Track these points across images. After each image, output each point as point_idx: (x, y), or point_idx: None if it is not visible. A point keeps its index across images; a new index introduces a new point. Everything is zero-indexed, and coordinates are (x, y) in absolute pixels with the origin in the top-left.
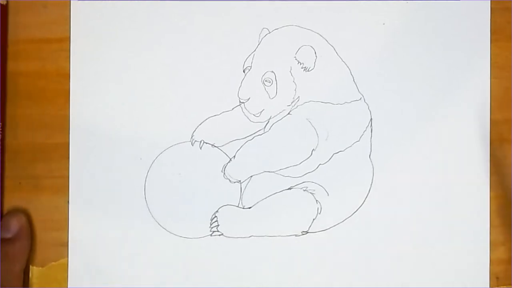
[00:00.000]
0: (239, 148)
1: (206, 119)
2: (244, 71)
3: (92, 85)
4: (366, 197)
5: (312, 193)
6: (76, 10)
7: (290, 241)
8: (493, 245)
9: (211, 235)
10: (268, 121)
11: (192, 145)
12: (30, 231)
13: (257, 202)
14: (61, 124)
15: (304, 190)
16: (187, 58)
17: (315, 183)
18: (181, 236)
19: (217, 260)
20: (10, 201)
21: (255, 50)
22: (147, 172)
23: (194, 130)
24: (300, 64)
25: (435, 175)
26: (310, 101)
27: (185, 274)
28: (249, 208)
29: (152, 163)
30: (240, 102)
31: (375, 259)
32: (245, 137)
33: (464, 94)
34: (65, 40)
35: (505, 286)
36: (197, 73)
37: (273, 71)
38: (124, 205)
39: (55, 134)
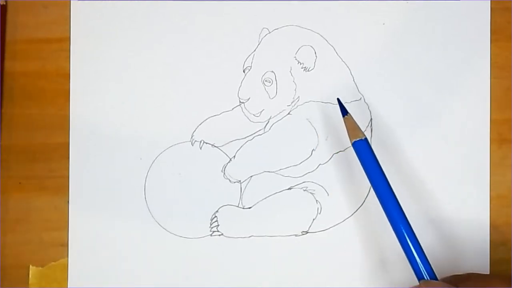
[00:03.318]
0: (239, 148)
1: (206, 119)
2: (244, 71)
3: (92, 85)
4: (366, 197)
5: (312, 193)
6: (76, 10)
7: (290, 241)
8: (493, 245)
9: (211, 235)
10: (268, 121)
11: (192, 145)
12: None
13: (257, 202)
14: (61, 124)
15: (304, 190)
16: (187, 58)
17: (315, 183)
18: (181, 236)
19: (217, 260)
20: (10, 201)
21: (255, 50)
22: (147, 172)
23: (194, 130)
24: (300, 64)
25: (435, 175)
26: (310, 101)
27: (185, 274)
28: (249, 208)
29: (152, 163)
30: (240, 102)
31: (375, 259)
32: (245, 137)
33: (464, 94)
34: (65, 40)
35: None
36: (197, 73)
37: (273, 71)
38: (124, 205)
39: (55, 134)
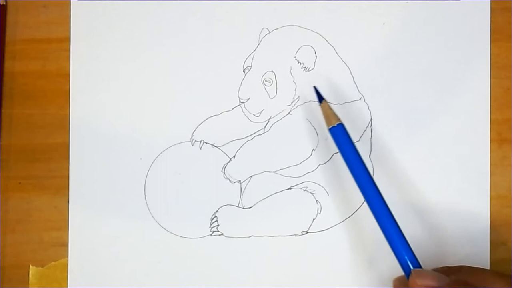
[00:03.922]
0: (239, 148)
1: (206, 119)
2: (244, 71)
3: (92, 85)
4: None
5: (312, 193)
6: (76, 10)
7: (290, 241)
8: (493, 245)
9: (211, 235)
10: (268, 121)
11: (192, 145)
12: None
13: (257, 202)
14: (61, 124)
15: (304, 190)
16: (187, 58)
17: (315, 183)
18: (181, 236)
19: (217, 260)
20: (10, 201)
21: (255, 50)
22: (147, 172)
23: (194, 130)
24: (300, 64)
25: (435, 175)
26: (310, 101)
27: (185, 274)
28: (249, 208)
29: (152, 163)
30: (240, 102)
31: (375, 259)
32: (245, 137)
33: (464, 94)
34: (65, 40)
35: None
36: (197, 73)
37: (273, 71)
38: (124, 205)
39: (55, 134)
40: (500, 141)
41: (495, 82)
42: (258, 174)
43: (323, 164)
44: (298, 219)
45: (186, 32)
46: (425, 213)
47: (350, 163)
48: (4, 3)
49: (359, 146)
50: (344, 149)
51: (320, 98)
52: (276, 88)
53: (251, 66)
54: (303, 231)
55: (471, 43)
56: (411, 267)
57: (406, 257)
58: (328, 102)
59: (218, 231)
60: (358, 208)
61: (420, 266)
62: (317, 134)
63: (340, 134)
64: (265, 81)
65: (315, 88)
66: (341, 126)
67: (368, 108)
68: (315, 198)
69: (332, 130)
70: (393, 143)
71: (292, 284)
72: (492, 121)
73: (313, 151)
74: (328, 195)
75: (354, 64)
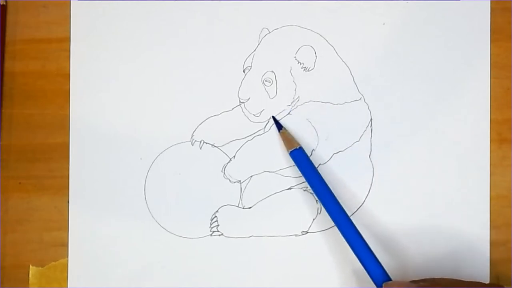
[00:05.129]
0: (239, 148)
1: (206, 119)
2: (244, 71)
3: (92, 85)
4: (366, 197)
5: (312, 193)
6: (76, 10)
7: (290, 241)
8: (493, 245)
9: (211, 235)
10: (268, 121)
11: (192, 145)
12: None
13: (257, 202)
14: (61, 124)
15: (304, 190)
16: (187, 58)
17: None
18: (181, 236)
19: (217, 260)
20: (10, 201)
21: (255, 50)
22: (147, 172)
23: (194, 130)
24: (300, 64)
25: (435, 175)
26: (310, 101)
27: (185, 274)
28: (249, 208)
29: (152, 163)
30: (240, 102)
31: None
32: (245, 137)
33: (464, 94)
34: (65, 40)
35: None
36: (197, 73)
37: (273, 71)
38: (124, 205)
39: (55, 134)
40: (500, 141)
41: (495, 82)
42: (258, 174)
43: (323, 164)
44: (298, 219)
45: (186, 32)
46: (425, 212)
47: (310, 180)
48: (4, 3)
49: (359, 146)
50: (304, 169)
51: (280, 127)
52: (276, 88)
53: (251, 66)
54: (303, 231)
55: (471, 43)
56: (382, 282)
57: (377, 274)
58: (287, 130)
59: (218, 231)
60: (358, 208)
61: (390, 279)
62: (317, 134)
63: (300, 156)
64: (265, 81)
65: (273, 117)
66: (300, 149)
67: (368, 108)
68: (315, 198)
69: (292, 153)
70: (393, 143)
71: (292, 284)
72: (492, 121)
73: (313, 151)
74: None
75: (354, 64)
